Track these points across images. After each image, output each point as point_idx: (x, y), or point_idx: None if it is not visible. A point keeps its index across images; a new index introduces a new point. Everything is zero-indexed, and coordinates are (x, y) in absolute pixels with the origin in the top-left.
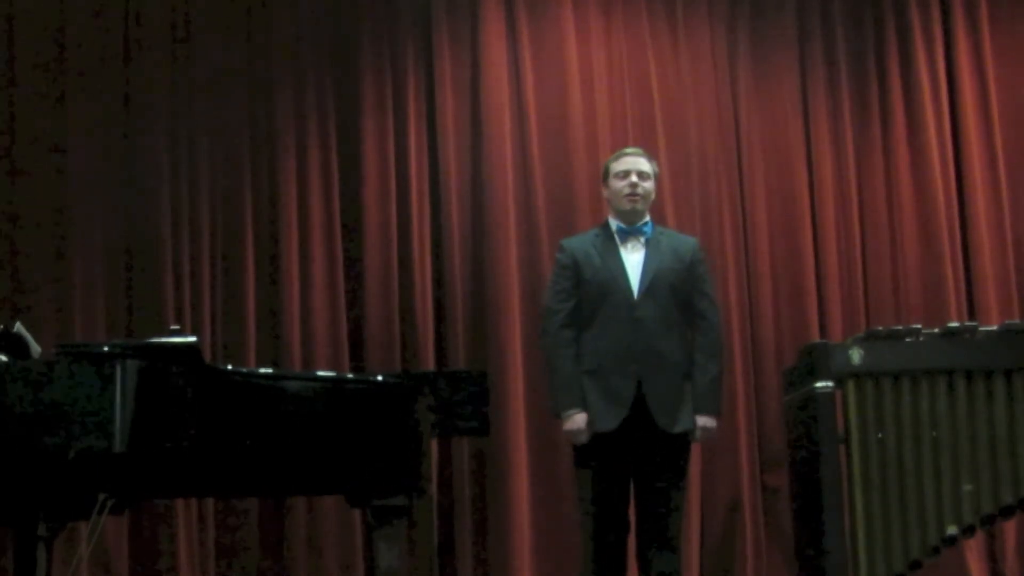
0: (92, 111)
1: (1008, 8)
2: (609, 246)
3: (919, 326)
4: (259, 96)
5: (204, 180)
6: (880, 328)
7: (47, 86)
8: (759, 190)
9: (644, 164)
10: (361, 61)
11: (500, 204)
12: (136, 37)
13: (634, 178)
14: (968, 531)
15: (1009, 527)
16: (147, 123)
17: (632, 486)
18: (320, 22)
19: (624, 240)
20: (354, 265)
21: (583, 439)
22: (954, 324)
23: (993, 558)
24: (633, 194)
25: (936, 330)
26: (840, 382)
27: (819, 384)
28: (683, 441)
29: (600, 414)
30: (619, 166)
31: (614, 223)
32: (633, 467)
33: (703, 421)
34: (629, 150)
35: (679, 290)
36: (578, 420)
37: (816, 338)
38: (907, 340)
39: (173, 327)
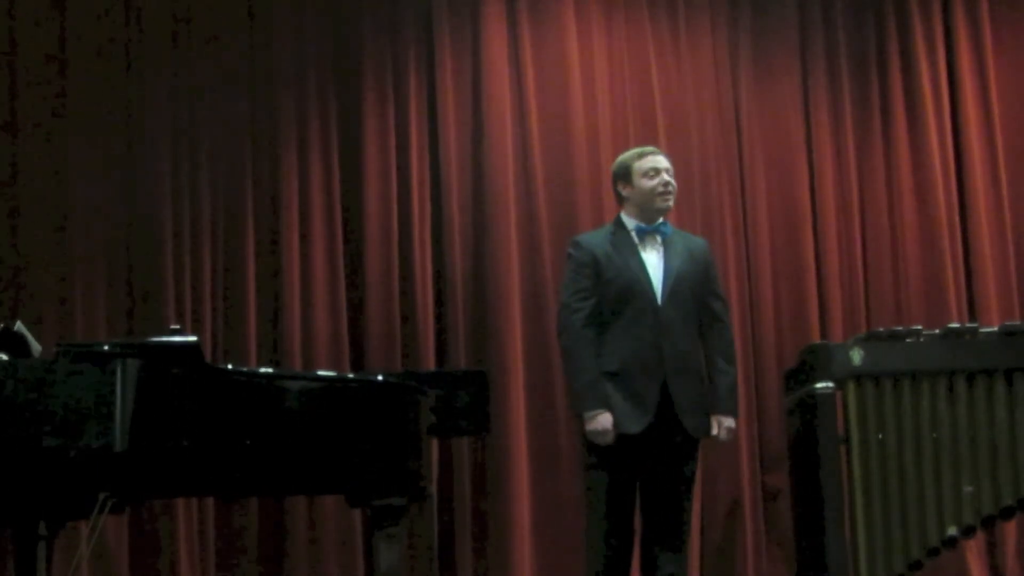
0: (93, 111)
1: (1009, 6)
2: (628, 246)
3: (920, 327)
4: (260, 95)
5: (205, 179)
6: (881, 329)
7: (48, 87)
8: (760, 189)
9: (668, 162)
10: (362, 60)
11: (501, 203)
12: (137, 37)
13: (666, 176)
14: (968, 532)
15: (1009, 528)
16: (148, 122)
17: (639, 488)
18: (321, 21)
19: (642, 239)
20: (355, 265)
21: (608, 440)
22: (955, 325)
23: (993, 559)
24: (667, 192)
25: (937, 331)
26: (841, 383)
27: (820, 385)
28: (697, 445)
29: (624, 417)
30: (646, 164)
31: (631, 222)
32: (643, 470)
33: (728, 422)
34: (650, 149)
35: (696, 292)
36: (603, 420)
37: (817, 338)
38: (908, 341)
39: (173, 327)
